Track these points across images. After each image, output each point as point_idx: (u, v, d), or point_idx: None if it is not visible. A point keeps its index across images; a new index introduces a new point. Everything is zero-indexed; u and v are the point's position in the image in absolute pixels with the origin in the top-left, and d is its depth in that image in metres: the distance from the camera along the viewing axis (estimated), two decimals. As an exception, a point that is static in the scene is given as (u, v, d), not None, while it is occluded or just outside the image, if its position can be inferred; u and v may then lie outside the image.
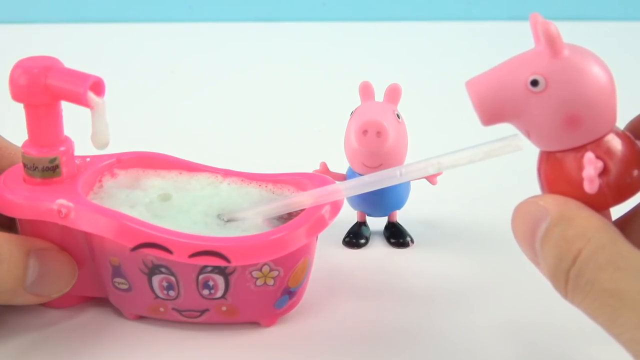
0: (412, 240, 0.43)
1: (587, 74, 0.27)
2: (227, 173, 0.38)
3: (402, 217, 0.44)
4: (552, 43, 0.27)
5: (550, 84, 0.27)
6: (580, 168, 0.27)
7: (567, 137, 0.27)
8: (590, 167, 0.27)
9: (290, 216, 0.35)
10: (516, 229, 0.28)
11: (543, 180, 0.29)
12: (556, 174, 0.28)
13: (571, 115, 0.27)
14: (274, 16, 0.88)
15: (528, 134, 0.28)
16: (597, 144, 0.27)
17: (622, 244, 0.25)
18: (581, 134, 0.27)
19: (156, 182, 0.38)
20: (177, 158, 0.39)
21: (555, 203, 0.27)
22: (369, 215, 0.44)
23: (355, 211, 0.43)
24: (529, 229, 0.27)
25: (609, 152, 0.27)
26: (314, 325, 0.36)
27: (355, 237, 0.43)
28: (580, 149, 0.27)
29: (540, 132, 0.28)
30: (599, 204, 0.27)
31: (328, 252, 0.42)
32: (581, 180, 0.27)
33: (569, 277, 0.25)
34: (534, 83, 0.27)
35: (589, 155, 0.27)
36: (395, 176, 0.33)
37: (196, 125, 0.61)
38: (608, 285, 0.24)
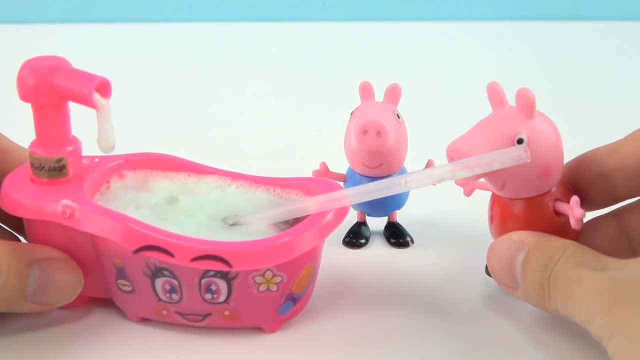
0: (412, 240, 0.43)
1: (553, 131, 0.32)
2: (235, 176, 0.38)
3: (402, 217, 0.44)
4: (530, 107, 0.32)
5: (531, 141, 0.31)
6: (548, 210, 0.33)
7: (539, 185, 0.32)
8: (580, 209, 0.31)
9: (296, 221, 0.35)
10: (494, 262, 0.34)
11: (500, 224, 0.34)
12: (519, 216, 0.33)
13: (545, 166, 0.32)
14: (274, 16, 0.88)
15: (503, 185, 0.33)
16: (556, 190, 0.33)
17: (589, 251, 0.31)
18: (549, 182, 0.33)
19: (163, 184, 0.37)
20: (185, 160, 0.39)
21: (528, 235, 0.32)
22: (369, 215, 0.44)
23: (355, 211, 0.44)
24: (507, 260, 0.33)
25: (564, 195, 0.33)
26: (315, 328, 0.36)
27: (355, 237, 0.43)
28: (545, 194, 0.33)
29: (518, 182, 0.32)
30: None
31: (328, 252, 0.41)
32: (548, 219, 0.33)
33: (550, 280, 0.31)
34: (520, 141, 0.31)
35: (576, 199, 0.32)
36: (401, 184, 0.34)
37: (194, 125, 0.61)
38: (572, 277, 0.30)
